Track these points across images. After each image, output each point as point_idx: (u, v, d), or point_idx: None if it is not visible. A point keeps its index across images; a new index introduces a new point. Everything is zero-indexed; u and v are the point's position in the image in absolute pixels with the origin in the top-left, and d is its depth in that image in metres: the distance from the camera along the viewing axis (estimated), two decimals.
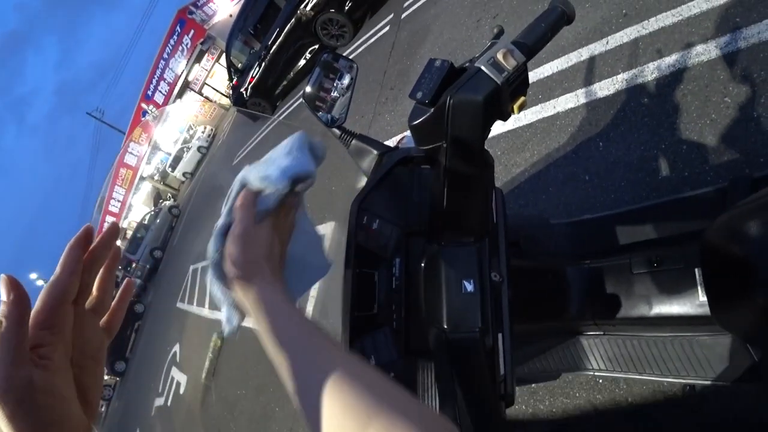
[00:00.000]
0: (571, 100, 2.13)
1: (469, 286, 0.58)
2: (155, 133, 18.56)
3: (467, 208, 0.59)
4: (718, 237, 0.89)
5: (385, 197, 0.73)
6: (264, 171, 0.51)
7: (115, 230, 0.39)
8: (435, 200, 0.58)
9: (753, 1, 1.66)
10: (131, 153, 18.73)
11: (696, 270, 1.07)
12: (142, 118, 18.00)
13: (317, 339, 0.41)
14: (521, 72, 0.50)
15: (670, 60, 1.84)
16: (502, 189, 0.85)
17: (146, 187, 20.78)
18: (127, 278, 0.44)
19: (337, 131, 0.82)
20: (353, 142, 0.81)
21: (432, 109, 0.49)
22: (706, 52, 1.74)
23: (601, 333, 1.32)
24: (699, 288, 1.06)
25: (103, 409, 10.48)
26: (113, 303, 0.42)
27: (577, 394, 1.67)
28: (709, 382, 1.20)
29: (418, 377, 0.67)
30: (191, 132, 17.47)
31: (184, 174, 16.89)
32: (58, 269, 0.35)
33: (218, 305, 0.51)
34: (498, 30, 0.56)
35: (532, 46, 0.50)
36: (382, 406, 0.32)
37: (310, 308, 3.42)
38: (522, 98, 0.52)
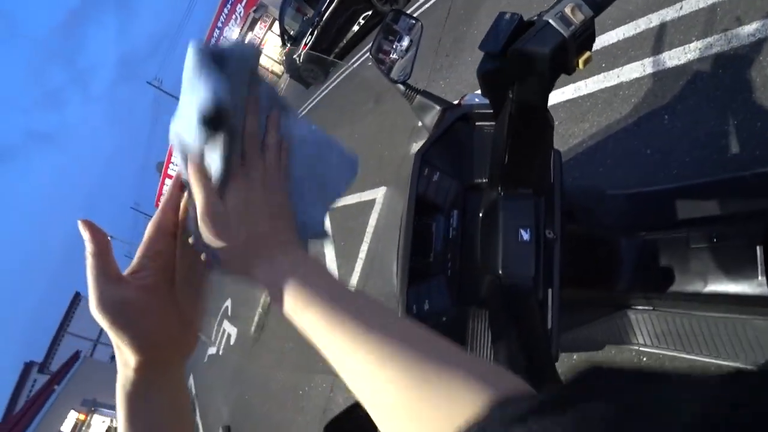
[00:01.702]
0: (637, 69, 2.03)
1: (526, 235, 0.61)
2: None
3: (528, 160, 0.61)
4: None
5: (446, 151, 0.76)
6: (183, 121, 0.38)
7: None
8: (496, 152, 0.61)
9: None
10: None
11: (758, 248, 1.03)
12: None
13: (362, 307, 0.35)
14: (588, 27, 0.51)
15: (749, 28, 1.70)
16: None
17: None
18: None
19: (401, 87, 0.85)
20: (417, 97, 0.84)
21: (500, 60, 0.52)
22: None
23: (651, 308, 1.30)
24: (759, 267, 1.03)
25: None
26: None
27: None
28: (756, 369, 1.17)
29: (470, 324, 0.72)
30: None
31: None
32: (159, 207, 0.42)
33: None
34: None
35: (600, 1, 0.51)
36: (454, 371, 0.29)
37: (364, 248, 3.47)
38: (587, 53, 0.53)
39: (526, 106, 0.54)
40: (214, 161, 0.37)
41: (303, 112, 8.50)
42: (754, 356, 1.16)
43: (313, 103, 8.09)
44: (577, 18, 0.48)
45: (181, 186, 0.41)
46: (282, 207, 0.41)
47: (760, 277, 1.02)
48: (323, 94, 7.80)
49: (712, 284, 1.10)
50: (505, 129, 0.56)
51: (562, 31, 0.49)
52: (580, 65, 0.52)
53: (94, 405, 11.58)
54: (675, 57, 1.90)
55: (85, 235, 0.38)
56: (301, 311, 0.36)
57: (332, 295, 0.35)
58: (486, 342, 0.70)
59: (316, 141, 0.43)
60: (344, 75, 7.20)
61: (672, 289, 1.17)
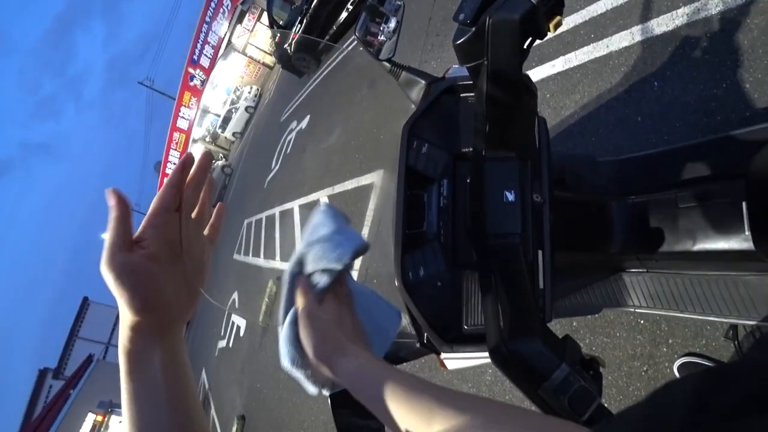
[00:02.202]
0: (626, 38, 2.03)
1: (510, 196, 0.65)
2: (204, 95, 19.12)
3: (508, 125, 0.64)
4: (765, 168, 0.89)
5: (433, 123, 0.79)
6: (318, 255, 0.54)
7: (208, 158, 0.50)
8: (478, 119, 0.64)
9: None
10: (182, 117, 19.49)
11: (743, 205, 1.05)
12: (190, 83, 18.57)
13: (414, 390, 0.42)
14: None
15: None
16: (550, 131, 0.88)
17: (199, 149, 21.64)
18: (219, 203, 0.55)
19: (387, 65, 0.88)
20: (402, 74, 0.87)
21: (473, 29, 0.54)
22: None
23: (644, 270, 1.33)
24: (745, 223, 1.05)
25: None
26: (212, 218, 0.53)
27: (618, 334, 1.71)
28: (753, 323, 1.20)
29: (464, 287, 0.75)
30: (238, 93, 17.82)
31: (233, 134, 17.44)
32: (164, 185, 0.46)
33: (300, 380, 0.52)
34: None
35: None
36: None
37: (365, 231, 3.56)
38: (557, 18, 0.56)
39: (500, 72, 0.57)
40: (321, 282, 0.54)
41: (298, 102, 8.48)
42: (747, 312, 1.19)
43: (308, 91, 8.06)
44: None
45: (184, 168, 0.46)
46: (354, 323, 0.54)
47: (746, 233, 1.04)
48: (316, 82, 7.76)
49: (701, 242, 1.13)
50: (484, 95, 0.59)
51: None
52: (551, 29, 0.55)
53: (110, 406, 11.77)
54: (663, 24, 1.91)
55: (111, 201, 0.42)
56: (352, 377, 0.47)
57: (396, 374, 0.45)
58: (477, 301, 0.73)
59: (365, 291, 0.59)
60: (336, 62, 7.15)
61: (663, 249, 1.20)
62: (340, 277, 0.56)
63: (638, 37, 1.98)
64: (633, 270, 1.34)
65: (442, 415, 0.38)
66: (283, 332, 0.52)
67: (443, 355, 0.77)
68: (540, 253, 0.73)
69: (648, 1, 2.00)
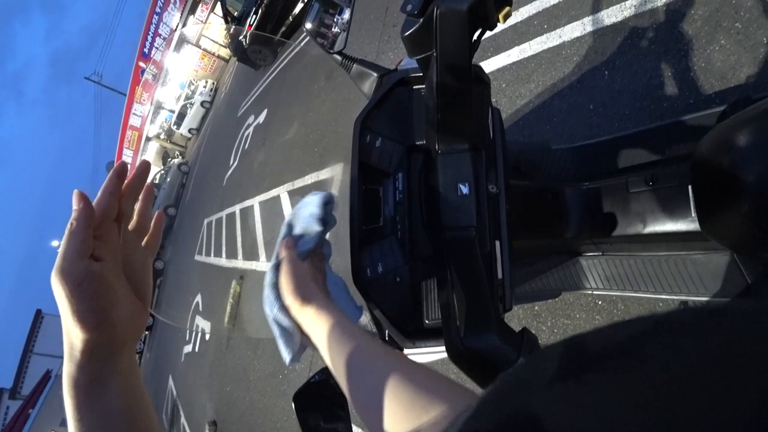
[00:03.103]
0: (578, 28, 2.08)
1: (465, 189, 0.63)
2: (156, 91, 18.29)
3: (459, 117, 0.63)
4: (708, 150, 0.92)
5: (387, 116, 0.77)
6: (302, 220, 0.63)
7: (146, 166, 0.47)
8: (429, 111, 0.62)
9: None
10: (135, 114, 18.60)
11: (689, 188, 1.10)
12: (142, 77, 17.71)
13: (373, 347, 0.46)
14: None
15: None
16: (506, 120, 0.88)
17: (153, 147, 20.76)
18: (158, 210, 0.53)
19: (338, 57, 0.85)
20: (354, 66, 0.84)
21: (421, 20, 0.52)
22: None
23: (600, 253, 1.38)
24: (691, 204, 1.09)
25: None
26: (151, 227, 0.50)
27: (578, 315, 1.77)
28: (702, 299, 1.26)
29: (423, 281, 0.74)
30: (192, 87, 17.16)
31: (189, 130, 16.78)
32: (99, 193, 0.42)
33: (276, 335, 0.56)
34: None
35: None
36: (434, 401, 0.37)
37: None
38: (507, 8, 0.54)
39: (450, 64, 0.55)
40: (304, 246, 0.61)
41: (255, 95, 8.26)
42: (696, 288, 1.25)
43: (265, 84, 7.86)
44: None
45: (119, 175, 0.43)
46: (325, 290, 0.60)
47: (692, 214, 1.09)
48: (273, 74, 7.58)
49: (652, 224, 1.18)
50: (434, 87, 0.57)
51: None
52: (501, 20, 0.54)
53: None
54: (613, 15, 1.96)
55: (78, 204, 0.38)
56: (315, 319, 0.52)
57: (341, 324, 0.50)
58: (435, 295, 0.72)
59: (338, 282, 0.64)
60: (293, 54, 7.00)
61: (616, 233, 1.24)
62: (320, 254, 0.64)
63: (589, 28, 2.03)
64: (589, 254, 1.39)
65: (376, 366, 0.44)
66: (266, 276, 0.59)
67: (406, 351, 0.77)
68: (497, 243, 0.72)
69: None
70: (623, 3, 1.93)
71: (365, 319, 0.74)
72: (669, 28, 1.75)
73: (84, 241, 0.38)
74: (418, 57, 0.57)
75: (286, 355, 0.56)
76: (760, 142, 0.78)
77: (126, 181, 0.44)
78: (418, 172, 0.77)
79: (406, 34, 0.54)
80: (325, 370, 0.70)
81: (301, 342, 0.57)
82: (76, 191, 0.39)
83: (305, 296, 0.54)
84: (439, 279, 0.65)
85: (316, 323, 0.52)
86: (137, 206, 0.47)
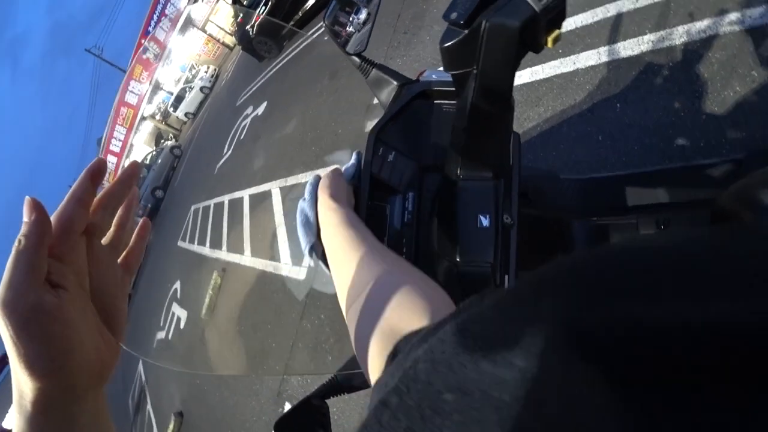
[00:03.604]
0: (593, 57, 2.06)
1: (485, 221, 0.58)
2: (157, 71, 18.02)
3: (488, 142, 0.58)
4: (728, 202, 0.88)
5: (403, 130, 0.72)
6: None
7: (135, 169, 0.39)
8: (456, 132, 0.57)
9: None
10: (132, 91, 18.28)
11: None
12: (143, 56, 17.43)
13: (372, 241, 0.49)
14: (560, 2, 0.47)
15: (701, 25, 1.76)
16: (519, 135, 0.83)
17: (147, 127, 20.47)
18: (144, 217, 0.45)
19: (357, 59, 0.79)
20: (372, 71, 0.78)
21: (466, 31, 0.47)
22: (739, 21, 1.65)
23: None
24: None
25: None
26: (132, 241, 0.42)
27: None
28: None
29: None
30: (194, 71, 16.95)
31: (186, 114, 16.58)
32: (64, 200, 0.34)
33: (298, 222, 0.60)
34: None
35: None
36: (405, 286, 0.38)
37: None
38: (557, 31, 0.50)
39: (491, 84, 0.50)
40: (347, 174, 0.68)
41: (256, 86, 8.16)
42: None
43: (267, 77, 7.78)
44: None
45: (93, 177, 0.34)
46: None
47: None
48: (277, 68, 7.50)
49: None
50: (468, 108, 0.52)
51: (533, 5, 0.45)
52: (549, 43, 0.49)
53: None
54: (629, 47, 1.94)
55: (30, 216, 0.30)
56: (336, 216, 0.54)
57: (357, 221, 0.54)
58: None
59: None
60: (299, 49, 6.94)
61: None
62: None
63: (604, 58, 2.01)
64: None
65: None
66: (310, 179, 0.63)
67: None
68: (506, 277, 0.67)
69: (617, 23, 2.04)
70: (641, 37, 1.92)
71: None
72: (685, 67, 1.74)
73: (35, 264, 0.30)
74: (454, 72, 0.51)
75: (304, 244, 0.58)
76: None
77: (106, 188, 0.36)
78: (431, 194, 0.72)
79: (446, 45, 0.48)
80: (307, 399, 0.65)
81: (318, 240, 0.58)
82: (27, 198, 0.31)
83: (336, 197, 0.57)
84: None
85: (343, 220, 0.53)
86: (117, 216, 0.39)
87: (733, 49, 1.63)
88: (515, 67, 0.49)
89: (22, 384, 0.30)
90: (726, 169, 1.18)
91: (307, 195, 0.62)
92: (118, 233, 0.39)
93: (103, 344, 0.34)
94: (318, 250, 0.57)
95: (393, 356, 0.29)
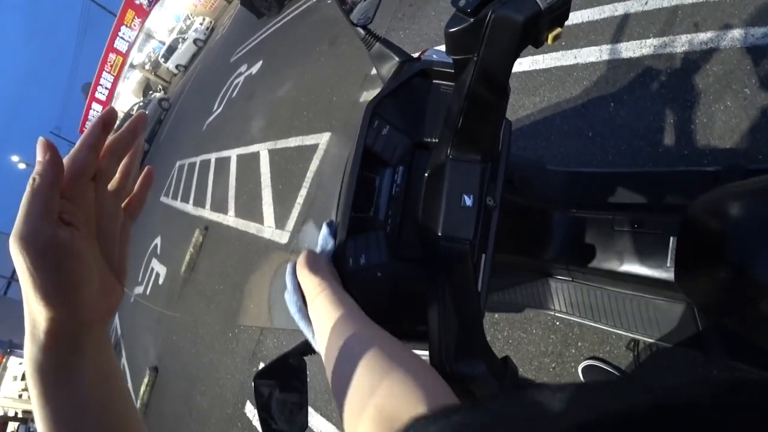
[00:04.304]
0: (594, 53, 2.07)
1: (469, 201, 0.61)
2: (149, 18, 17.30)
3: (481, 127, 0.60)
4: (700, 211, 0.93)
5: (400, 105, 0.73)
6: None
7: (142, 120, 0.40)
8: (451, 113, 0.59)
9: None
10: (122, 38, 17.54)
11: (671, 238, 1.12)
12: (136, 1, 16.68)
13: (358, 319, 0.51)
14: (565, 2, 0.49)
15: (704, 36, 1.78)
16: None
17: (136, 76, 19.79)
18: (148, 166, 0.46)
19: (361, 31, 0.80)
20: (376, 45, 0.79)
21: (472, 20, 0.49)
22: (741, 38, 1.68)
23: (570, 279, 1.40)
24: (669, 255, 1.12)
25: None
26: (136, 188, 0.43)
27: (534, 331, 1.81)
28: (652, 341, 1.31)
29: (404, 281, 0.72)
30: (188, 22, 16.33)
31: (177, 66, 16.06)
32: (77, 144, 0.35)
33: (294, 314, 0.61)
34: None
35: None
36: (398, 368, 0.39)
37: (303, 192, 3.53)
38: (558, 29, 0.52)
39: (490, 72, 0.52)
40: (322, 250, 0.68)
41: (252, 44, 7.93)
42: (651, 331, 1.30)
43: (264, 35, 7.56)
44: None
45: (104, 125, 0.36)
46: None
47: (668, 264, 1.12)
48: (276, 26, 7.29)
49: (627, 264, 1.20)
50: (465, 92, 0.54)
51: (539, 2, 0.47)
52: (550, 40, 0.51)
53: (10, 347, 10.70)
54: (631, 49, 1.96)
55: (44, 156, 0.32)
56: (320, 298, 0.55)
57: (342, 296, 0.56)
58: (415, 299, 0.71)
59: None
60: (300, 10, 6.74)
61: (592, 264, 1.26)
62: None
63: (605, 56, 2.02)
64: (560, 278, 1.41)
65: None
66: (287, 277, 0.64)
67: None
68: (483, 256, 0.71)
69: (622, 23, 2.04)
70: (644, 40, 1.93)
71: None
72: (682, 76, 1.77)
73: (50, 201, 0.31)
74: (456, 57, 0.53)
75: (293, 311, 0.61)
76: (751, 218, 0.80)
77: (114, 136, 0.37)
78: (419, 170, 0.74)
79: (452, 30, 0.50)
80: (285, 355, 0.69)
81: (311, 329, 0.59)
82: (41, 139, 0.32)
83: (315, 271, 0.59)
84: (429, 291, 0.63)
85: (315, 290, 0.56)
86: (122, 164, 0.40)
87: (731, 64, 1.67)
88: (514, 58, 0.51)
89: (36, 314, 0.32)
90: (703, 178, 1.24)
91: (289, 285, 0.63)
92: (123, 180, 0.41)
93: (108, 284, 0.37)
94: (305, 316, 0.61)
95: None
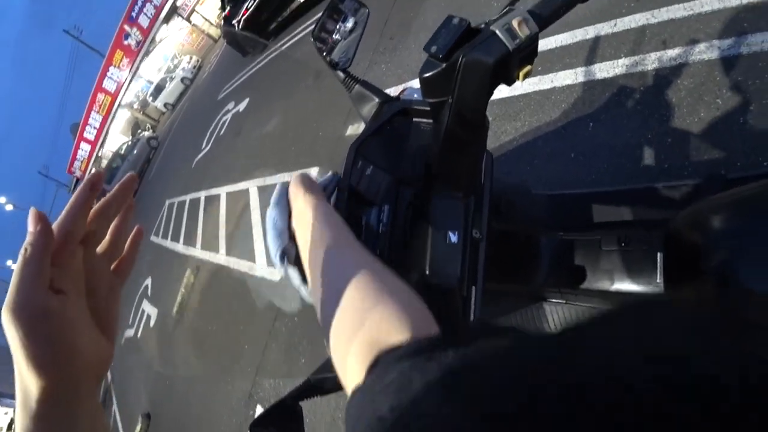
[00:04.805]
0: (570, 76, 2.14)
1: (454, 238, 0.62)
2: (138, 58, 17.56)
3: (460, 164, 0.62)
4: (683, 225, 0.95)
5: (381, 145, 0.75)
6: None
7: (132, 182, 0.41)
8: (431, 153, 0.61)
9: (765, 9, 1.66)
10: (110, 78, 17.70)
11: (658, 253, 1.13)
12: (124, 42, 16.96)
13: (353, 242, 0.47)
14: (532, 41, 0.51)
15: (672, 53, 1.85)
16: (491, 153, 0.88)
17: (124, 115, 19.94)
18: (137, 226, 0.46)
19: (341, 74, 0.82)
20: (356, 87, 0.81)
21: (444, 65, 0.51)
22: (708, 51, 1.75)
23: (564, 301, 1.40)
24: (658, 270, 1.13)
25: None
26: (125, 249, 0.44)
27: None
28: None
29: None
30: (176, 61, 16.64)
31: (165, 105, 16.27)
32: (64, 210, 0.36)
33: (272, 239, 0.56)
34: None
35: (546, 17, 0.52)
36: (389, 298, 0.37)
37: None
38: (528, 67, 0.54)
39: (465, 113, 0.54)
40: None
41: (238, 81, 8.06)
42: None
43: (250, 72, 7.70)
44: (523, 32, 0.48)
45: (94, 187, 0.37)
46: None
47: (658, 279, 1.13)
48: (261, 63, 7.44)
49: (618, 283, 1.21)
50: (442, 133, 0.56)
51: (507, 44, 0.49)
52: (520, 78, 0.53)
53: None
54: (605, 69, 2.03)
55: (34, 226, 0.33)
56: (313, 213, 0.50)
57: (337, 218, 0.50)
58: None
59: None
60: (285, 47, 6.90)
61: (583, 285, 1.26)
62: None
63: (581, 78, 2.09)
64: (553, 300, 1.41)
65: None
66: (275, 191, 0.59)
67: None
68: (473, 288, 0.71)
69: (594, 45, 2.12)
70: (616, 60, 2.00)
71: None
72: (655, 92, 1.83)
73: (41, 271, 0.32)
74: (432, 100, 0.55)
75: (274, 250, 0.55)
76: (731, 230, 0.82)
77: (104, 199, 0.38)
78: (404, 208, 0.75)
79: (425, 76, 0.52)
80: (281, 401, 0.67)
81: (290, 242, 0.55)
82: (32, 210, 0.33)
83: (312, 192, 0.54)
84: None
85: (307, 206, 0.52)
86: (113, 225, 0.41)
87: (701, 77, 1.73)
88: (488, 98, 0.53)
89: (28, 383, 0.32)
90: (684, 191, 1.27)
91: (274, 199, 0.59)
92: (113, 242, 0.41)
93: (99, 347, 0.37)
94: (290, 254, 0.55)
95: (373, 366, 0.31)
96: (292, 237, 0.55)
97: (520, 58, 0.51)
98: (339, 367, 0.37)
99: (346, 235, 0.48)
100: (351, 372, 0.34)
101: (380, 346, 0.32)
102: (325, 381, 0.80)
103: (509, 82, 0.53)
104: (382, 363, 0.29)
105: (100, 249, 0.40)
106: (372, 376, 0.29)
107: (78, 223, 0.36)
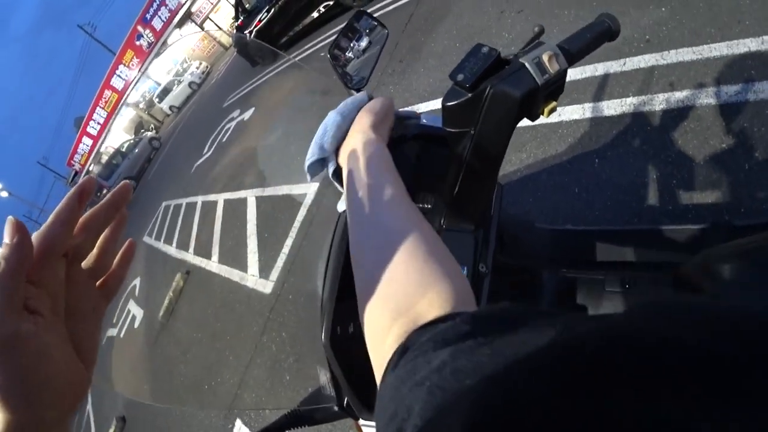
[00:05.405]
0: (577, 111, 2.15)
1: (462, 272, 0.60)
2: (148, 59, 17.73)
3: (474, 198, 0.59)
4: (693, 271, 0.93)
5: None
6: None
7: (126, 191, 0.36)
8: (446, 184, 0.59)
9: None
10: (119, 76, 17.85)
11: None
12: (136, 42, 17.15)
13: (403, 196, 0.44)
14: (560, 77, 0.50)
15: (680, 95, 1.86)
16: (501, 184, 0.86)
17: (129, 114, 20.01)
18: (129, 239, 0.41)
19: (354, 93, 0.80)
20: None
21: (470, 94, 0.49)
22: (715, 95, 1.77)
23: None
24: None
25: None
26: (114, 264, 0.39)
27: None
28: None
29: None
30: (185, 65, 16.80)
31: (170, 107, 16.33)
32: (49, 219, 0.32)
33: (317, 144, 0.55)
34: (539, 29, 0.55)
35: (575, 53, 0.51)
36: (441, 278, 0.35)
37: (288, 242, 3.42)
38: (554, 103, 0.53)
39: (484, 146, 0.52)
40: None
41: (246, 90, 8.11)
42: None
43: (258, 83, 7.75)
44: (553, 68, 0.47)
45: (83, 195, 0.32)
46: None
47: None
48: (269, 75, 7.49)
49: None
50: (460, 165, 0.54)
51: (536, 78, 0.47)
52: (545, 114, 0.51)
53: None
54: (612, 107, 2.04)
55: (11, 238, 0.28)
56: (372, 150, 0.48)
57: (395, 171, 0.47)
58: None
59: None
60: (294, 59, 6.97)
61: None
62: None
63: (588, 114, 2.10)
64: None
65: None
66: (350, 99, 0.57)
67: (361, 421, 0.72)
68: None
69: (603, 83, 2.14)
70: (624, 99, 2.02)
71: (324, 379, 0.69)
72: (661, 132, 1.83)
73: (12, 291, 0.28)
74: (452, 130, 0.53)
75: (313, 155, 0.55)
76: (741, 281, 0.80)
77: (93, 209, 0.34)
78: None
79: (449, 104, 0.50)
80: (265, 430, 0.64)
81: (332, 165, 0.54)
82: (10, 218, 0.29)
83: (377, 128, 0.51)
84: None
85: (366, 147, 0.48)
86: (101, 238, 0.36)
87: (707, 121, 1.74)
88: (511, 132, 0.51)
89: None
90: (690, 236, 1.25)
91: (344, 106, 0.56)
92: (100, 257, 0.37)
93: (75, 375, 0.32)
94: (331, 170, 0.54)
95: (402, 352, 0.29)
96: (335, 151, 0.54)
97: (547, 93, 0.49)
98: (370, 330, 0.36)
99: (400, 183, 0.45)
100: (383, 343, 0.33)
101: (417, 322, 0.31)
102: (314, 412, 0.77)
103: (533, 118, 0.51)
104: (411, 348, 0.28)
105: (85, 264, 0.36)
106: (400, 369, 0.28)
107: (62, 234, 0.32)
